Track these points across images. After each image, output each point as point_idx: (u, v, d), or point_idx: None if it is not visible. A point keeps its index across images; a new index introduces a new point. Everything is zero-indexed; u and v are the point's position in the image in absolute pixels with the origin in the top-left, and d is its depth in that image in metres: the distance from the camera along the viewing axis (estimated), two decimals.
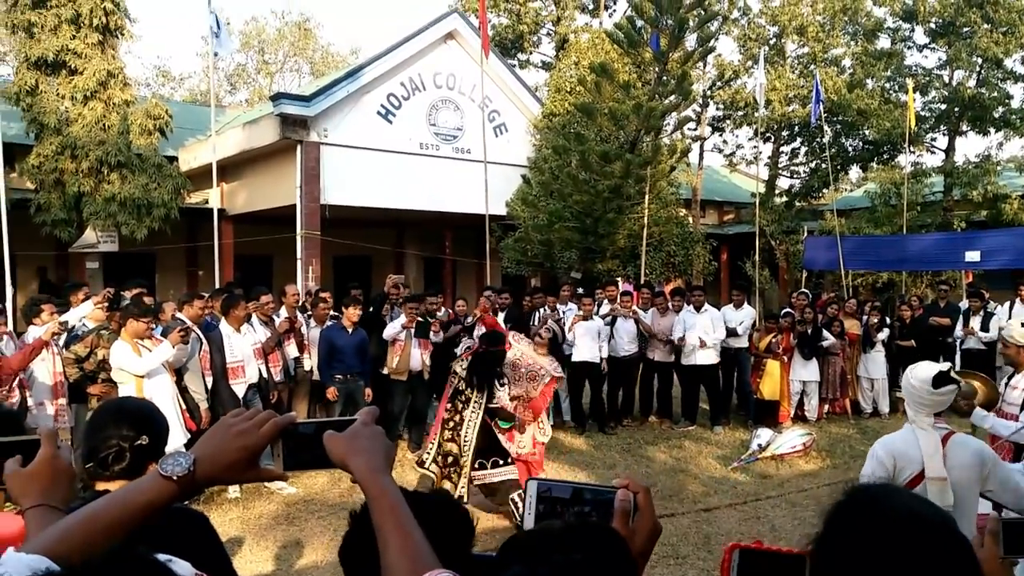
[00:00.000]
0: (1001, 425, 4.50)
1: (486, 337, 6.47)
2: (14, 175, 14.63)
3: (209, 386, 6.37)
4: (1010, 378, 4.92)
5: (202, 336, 6.34)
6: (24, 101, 12.97)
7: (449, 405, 6.22)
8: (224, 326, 6.64)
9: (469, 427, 6.09)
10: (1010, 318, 10.59)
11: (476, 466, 6.12)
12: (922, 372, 3.12)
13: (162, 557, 0.91)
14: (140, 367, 5.47)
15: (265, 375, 6.77)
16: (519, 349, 6.44)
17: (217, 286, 9.12)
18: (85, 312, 6.36)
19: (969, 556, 1.01)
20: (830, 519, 1.09)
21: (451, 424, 6.18)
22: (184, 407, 5.92)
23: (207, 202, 15.34)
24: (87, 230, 13.67)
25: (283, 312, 7.61)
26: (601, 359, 9.49)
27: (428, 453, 6.28)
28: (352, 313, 7.61)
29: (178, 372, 6.00)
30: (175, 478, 1.08)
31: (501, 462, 6.14)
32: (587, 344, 9.42)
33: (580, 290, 11.34)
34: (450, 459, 6.13)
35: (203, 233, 14.40)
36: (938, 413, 3.15)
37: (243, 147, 14.81)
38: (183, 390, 6.01)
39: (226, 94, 34.78)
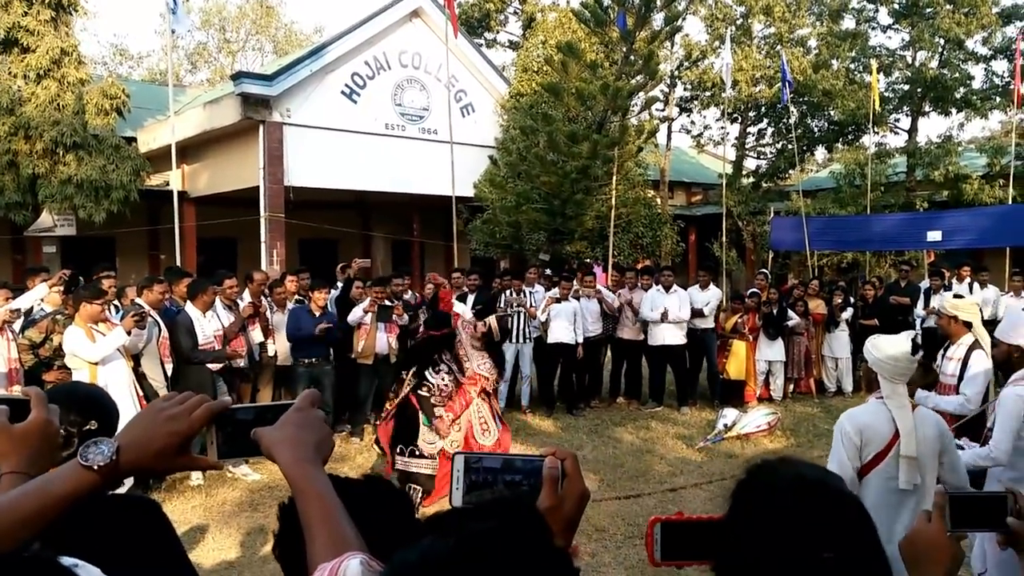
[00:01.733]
0: (943, 401, 4.59)
1: (429, 321, 6.35)
2: None
3: (169, 372, 6.23)
4: (945, 350, 5.03)
5: (160, 322, 6.19)
6: None
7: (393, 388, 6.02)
8: (191, 309, 6.49)
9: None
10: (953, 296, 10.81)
11: (397, 451, 5.80)
12: (896, 344, 3.13)
13: (67, 561, 0.84)
14: (93, 353, 5.33)
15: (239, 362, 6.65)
16: (460, 335, 6.21)
17: (184, 270, 8.89)
18: (38, 296, 6.17)
19: (860, 515, 1.10)
20: (735, 491, 1.15)
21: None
22: (141, 394, 5.78)
23: (168, 184, 14.99)
24: (43, 213, 13.30)
25: (247, 296, 7.47)
26: (577, 342, 9.48)
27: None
28: (319, 297, 7.50)
29: (135, 358, 5.85)
30: (96, 467, 1.01)
31: (418, 452, 5.76)
32: (562, 326, 9.41)
33: (548, 271, 11.31)
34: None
35: (164, 216, 14.09)
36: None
37: (204, 127, 14.49)
38: (140, 376, 5.87)
39: (186, 73, 34.03)
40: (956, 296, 6.33)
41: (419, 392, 5.74)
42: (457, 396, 5.95)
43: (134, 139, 15.73)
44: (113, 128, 13.60)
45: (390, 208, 18.56)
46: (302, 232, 15.76)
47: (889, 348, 3.14)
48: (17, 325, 6.09)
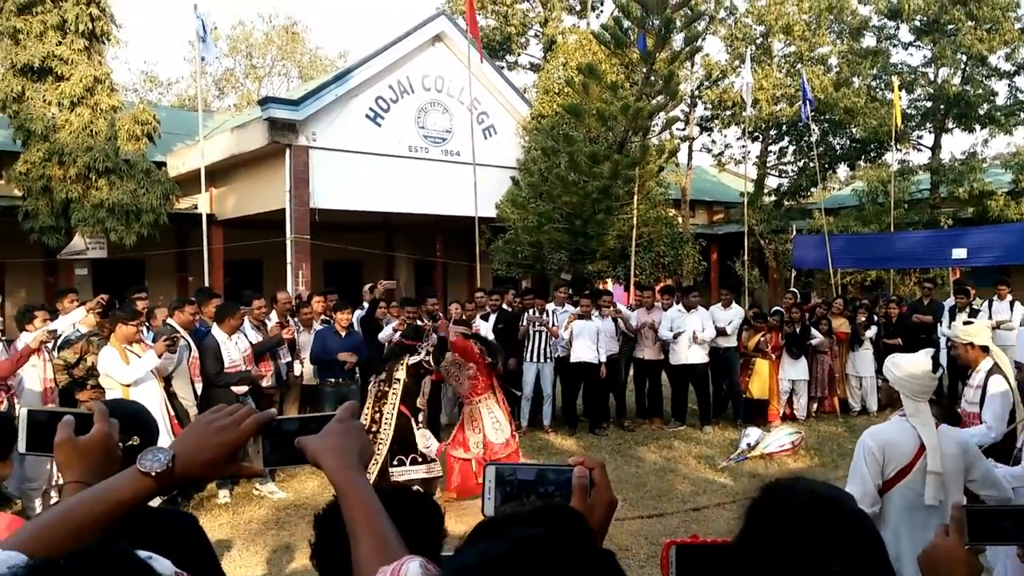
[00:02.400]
0: (968, 433, 4.54)
1: (407, 332, 6.60)
2: (1, 182, 14.61)
3: (199, 392, 6.37)
4: (967, 378, 4.96)
5: (191, 342, 6.34)
6: (10, 108, 12.91)
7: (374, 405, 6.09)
8: (217, 332, 6.63)
9: (386, 424, 5.96)
10: (991, 316, 10.71)
11: (395, 463, 5.93)
12: (916, 363, 3.17)
13: (143, 554, 0.93)
14: (126, 376, 5.48)
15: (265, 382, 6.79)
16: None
17: (213, 291, 9.08)
18: (76, 319, 6.35)
19: (872, 534, 1.10)
20: (748, 510, 1.17)
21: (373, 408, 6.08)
22: (172, 413, 5.92)
23: (196, 207, 15.31)
24: (75, 236, 13.62)
25: (274, 317, 7.61)
26: (600, 362, 9.51)
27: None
28: (342, 317, 7.63)
29: (167, 378, 5.99)
30: (153, 474, 1.09)
31: (420, 459, 6.00)
32: (585, 344, 9.45)
33: (570, 291, 11.38)
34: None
35: (193, 238, 14.38)
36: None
37: (232, 152, 14.80)
38: (171, 396, 6.02)
39: (214, 99, 34.72)
40: (966, 323, 6.25)
41: (422, 366, 6.05)
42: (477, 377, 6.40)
43: (164, 164, 16.10)
44: (144, 153, 13.93)
45: (413, 229, 18.75)
46: (327, 253, 15.98)
47: (909, 366, 3.18)
48: (51, 346, 6.26)
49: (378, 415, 5.95)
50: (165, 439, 5.64)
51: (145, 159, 13.89)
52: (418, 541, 1.20)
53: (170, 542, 1.72)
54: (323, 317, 8.33)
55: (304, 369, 7.73)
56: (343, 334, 7.67)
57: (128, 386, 5.60)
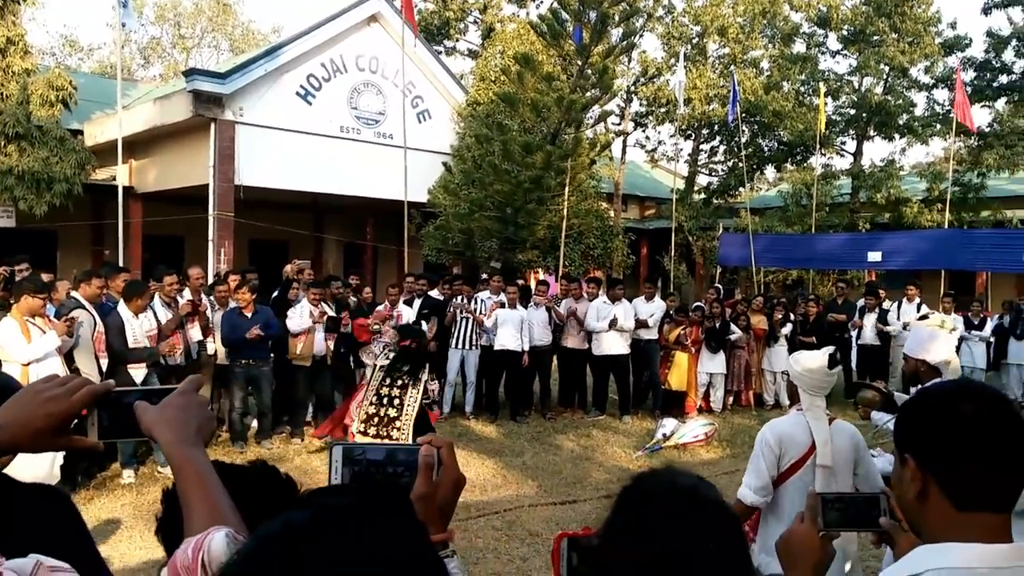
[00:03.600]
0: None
1: (404, 330, 6.91)
2: None
3: (104, 368, 6.12)
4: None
5: (97, 317, 6.08)
6: None
7: (387, 380, 6.51)
8: (123, 310, 6.37)
9: (410, 406, 6.43)
10: (899, 317, 11.18)
11: None
12: (814, 359, 3.26)
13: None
14: (25, 355, 5.22)
15: (163, 361, 6.56)
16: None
17: (120, 266, 8.73)
18: None
19: (727, 519, 1.12)
20: (617, 496, 1.18)
21: (389, 394, 6.49)
22: None
23: (114, 179, 14.72)
24: None
25: (187, 294, 7.37)
26: (523, 350, 9.55)
27: (355, 421, 6.55)
28: (242, 297, 7.44)
29: (69, 352, 5.74)
30: None
31: None
32: (509, 332, 9.47)
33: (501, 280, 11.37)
34: (387, 419, 6.44)
35: (110, 211, 13.80)
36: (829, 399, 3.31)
37: (154, 123, 14.25)
38: (74, 372, 5.75)
39: (139, 68, 33.40)
40: (922, 317, 6.48)
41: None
42: None
43: (81, 132, 15.41)
44: (58, 120, 13.33)
45: (343, 211, 18.46)
46: (253, 232, 15.58)
47: (808, 362, 3.27)
48: None
49: (397, 400, 6.44)
50: None
51: (59, 126, 13.31)
52: (266, 516, 1.15)
53: (35, 517, 1.63)
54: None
55: (218, 348, 7.52)
56: (248, 314, 7.49)
57: (27, 364, 5.33)
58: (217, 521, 1.02)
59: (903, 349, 4.01)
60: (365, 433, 6.41)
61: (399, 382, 6.54)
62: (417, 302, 9.42)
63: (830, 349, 3.36)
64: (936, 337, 3.85)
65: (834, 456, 3.14)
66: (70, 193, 12.90)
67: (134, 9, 11.79)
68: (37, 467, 4.41)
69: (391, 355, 6.62)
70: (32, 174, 12.40)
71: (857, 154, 21.60)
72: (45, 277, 6.23)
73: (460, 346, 9.58)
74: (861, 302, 11.90)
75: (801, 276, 18.52)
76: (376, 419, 6.47)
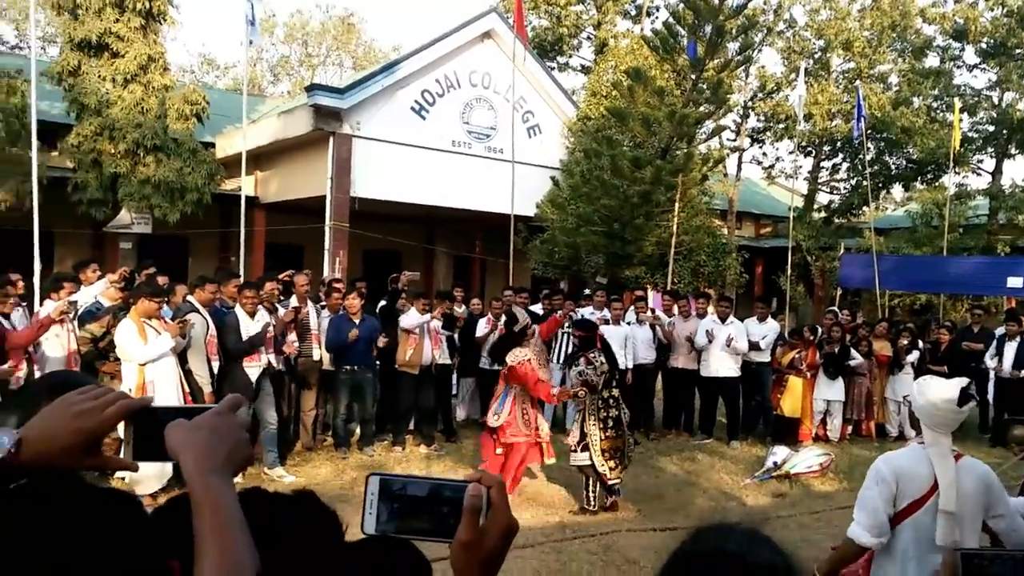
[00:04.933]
0: None
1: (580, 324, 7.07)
2: (55, 154, 14.93)
3: (215, 370, 6.37)
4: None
5: (209, 320, 6.34)
6: (66, 81, 13.21)
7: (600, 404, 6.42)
8: (238, 310, 6.64)
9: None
10: None
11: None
12: (942, 390, 2.90)
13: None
14: (142, 355, 5.48)
15: (274, 363, 6.76)
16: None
17: (232, 271, 9.12)
18: (97, 291, 6.40)
19: None
20: (666, 564, 1.06)
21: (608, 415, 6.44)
22: (188, 390, 5.91)
23: (239, 189, 15.50)
24: (122, 211, 13.88)
25: (293, 301, 7.59)
26: (627, 368, 9.33)
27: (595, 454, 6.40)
28: (352, 304, 7.59)
29: (182, 354, 5.99)
30: None
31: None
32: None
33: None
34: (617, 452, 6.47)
35: (236, 220, 14.53)
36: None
37: (277, 136, 14.92)
38: (187, 373, 6.01)
39: (269, 84, 35.24)
40: None
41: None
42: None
43: (212, 144, 16.33)
44: (192, 133, 14.13)
45: (454, 224, 18.71)
46: (368, 243, 16.02)
47: (935, 394, 2.92)
48: (70, 317, 6.30)
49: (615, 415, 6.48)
50: None
51: (193, 139, 14.09)
52: (307, 552, 1.05)
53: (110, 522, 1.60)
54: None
55: (323, 354, 7.69)
56: (356, 320, 7.63)
57: (143, 364, 5.59)
58: (225, 564, 0.90)
59: None
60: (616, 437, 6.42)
61: (613, 395, 6.47)
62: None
63: (963, 381, 2.99)
64: None
65: (960, 500, 2.81)
66: (200, 202, 13.63)
67: (261, 29, 12.40)
68: (148, 465, 4.58)
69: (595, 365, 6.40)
70: (167, 184, 13.18)
71: (996, 173, 20.13)
72: (161, 280, 6.53)
73: (561, 362, 9.45)
74: (1001, 330, 10.98)
75: (931, 301, 17.36)
76: (618, 452, 6.46)
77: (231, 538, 0.92)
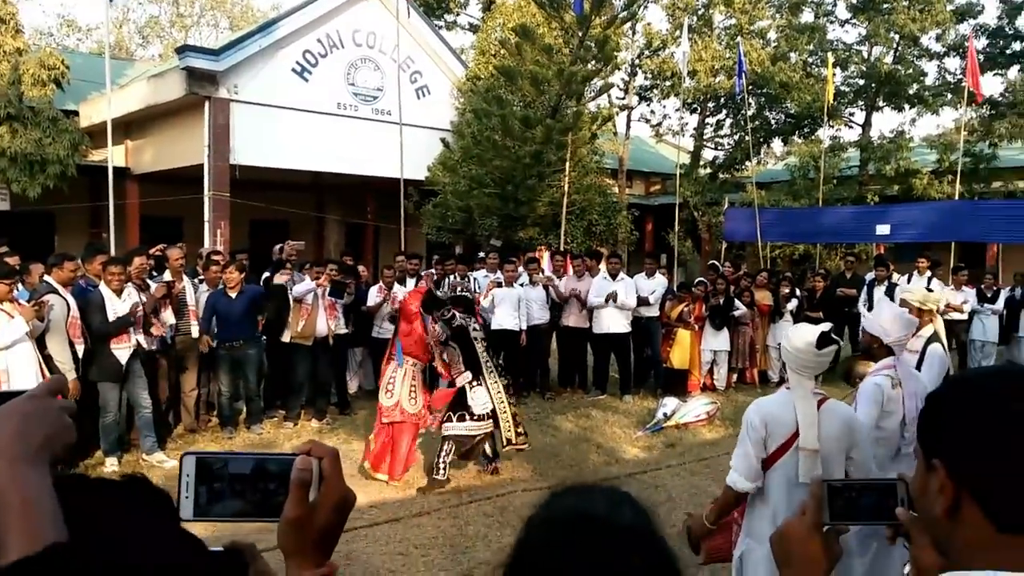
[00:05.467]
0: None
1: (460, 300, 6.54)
2: None
3: (80, 354, 5.96)
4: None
5: (71, 300, 5.91)
6: None
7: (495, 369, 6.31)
8: (104, 288, 6.21)
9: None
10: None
11: (446, 417, 6.18)
12: (804, 334, 3.04)
13: None
14: None
15: (144, 343, 6.38)
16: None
17: (112, 249, 8.57)
18: None
19: (648, 559, 0.92)
20: (519, 533, 0.99)
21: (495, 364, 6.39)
22: (49, 376, 5.51)
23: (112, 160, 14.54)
24: None
25: (167, 276, 7.19)
26: (520, 329, 9.36)
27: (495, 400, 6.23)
28: (230, 277, 7.27)
29: (40, 339, 5.57)
30: None
31: (468, 416, 6.15)
32: (506, 312, 9.25)
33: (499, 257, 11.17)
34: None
35: (107, 192, 13.67)
36: (816, 377, 3.10)
37: (148, 102, 14.03)
38: (47, 358, 5.60)
39: (138, 47, 33.12)
40: (928, 288, 6.30)
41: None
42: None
43: (76, 113, 15.22)
44: (51, 100, 13.12)
45: (344, 190, 18.21)
46: (253, 212, 15.38)
47: (795, 339, 3.05)
48: None
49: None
50: None
51: (52, 107, 13.10)
52: (136, 539, 0.94)
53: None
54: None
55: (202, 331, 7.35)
56: (234, 295, 7.33)
57: None
58: None
59: (862, 323, 3.82)
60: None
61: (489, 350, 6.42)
62: (410, 282, 9.23)
63: (825, 326, 3.13)
64: (898, 317, 3.64)
65: (823, 440, 2.93)
66: (64, 175, 12.73)
67: None
68: None
69: (477, 327, 6.38)
70: (25, 156, 12.23)
71: (866, 126, 21.19)
72: (11, 260, 6.03)
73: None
74: (870, 275, 11.63)
75: (809, 251, 18.22)
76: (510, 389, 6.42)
77: (40, 532, 0.80)
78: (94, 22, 43.63)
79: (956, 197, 15.49)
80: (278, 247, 8.54)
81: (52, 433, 0.91)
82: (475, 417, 6.12)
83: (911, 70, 19.55)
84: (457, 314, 6.16)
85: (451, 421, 6.12)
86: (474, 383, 6.18)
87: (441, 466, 6.15)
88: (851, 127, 22.03)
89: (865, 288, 11.29)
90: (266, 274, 8.23)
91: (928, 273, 11.12)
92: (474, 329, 6.28)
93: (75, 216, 15.57)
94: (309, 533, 0.89)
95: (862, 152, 19.82)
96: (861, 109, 21.39)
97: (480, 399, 6.14)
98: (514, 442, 6.28)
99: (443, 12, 24.64)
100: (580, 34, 13.36)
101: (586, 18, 13.02)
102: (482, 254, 11.19)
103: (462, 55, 18.22)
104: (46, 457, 0.90)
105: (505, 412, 6.24)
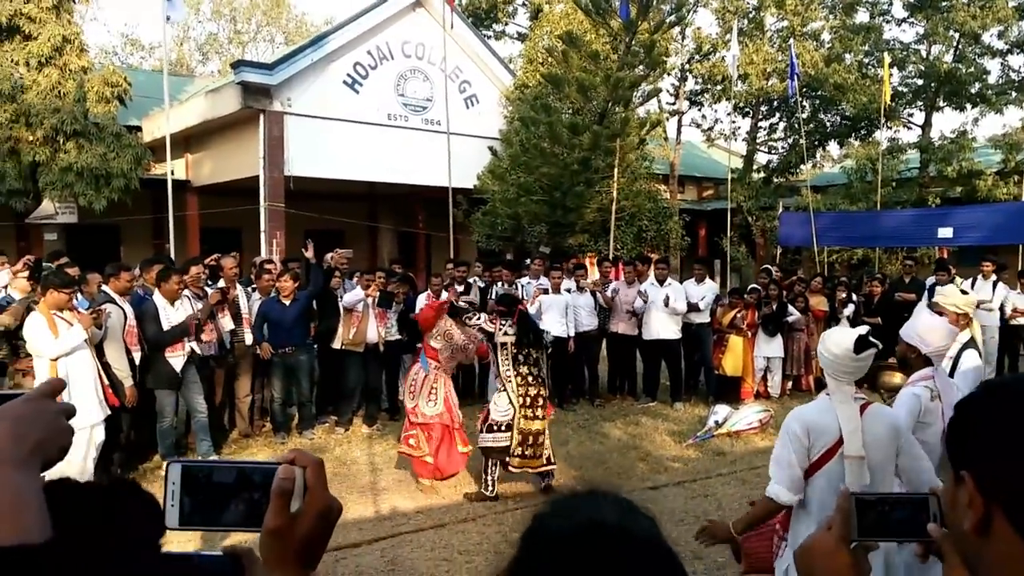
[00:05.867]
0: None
1: (503, 299, 6.55)
2: None
3: (138, 361, 6.16)
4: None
5: (127, 310, 6.11)
6: None
7: (518, 378, 6.02)
8: (158, 298, 6.42)
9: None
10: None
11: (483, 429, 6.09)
12: (841, 338, 2.95)
13: None
14: (52, 350, 5.22)
15: (198, 350, 6.56)
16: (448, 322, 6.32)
17: (158, 257, 8.82)
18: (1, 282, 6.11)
19: (655, 564, 0.87)
20: (522, 535, 0.94)
21: (529, 372, 6.08)
22: (107, 383, 5.70)
23: (173, 172, 15.01)
24: (44, 201, 13.34)
25: (220, 284, 7.39)
26: (569, 336, 9.33)
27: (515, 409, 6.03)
28: (284, 285, 7.42)
29: (98, 347, 5.76)
30: None
31: (494, 427, 6.01)
32: (554, 319, 9.23)
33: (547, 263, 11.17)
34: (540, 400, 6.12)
35: (168, 205, 14.12)
36: (858, 383, 3.02)
37: (206, 116, 14.46)
38: (105, 366, 5.79)
39: (198, 64, 34.09)
40: (963, 291, 6.06)
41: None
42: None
43: (139, 128, 15.75)
44: (114, 116, 13.60)
45: (396, 200, 18.46)
46: (308, 223, 15.68)
47: (831, 344, 2.96)
48: None
49: (536, 374, 6.18)
50: (96, 410, 5.44)
51: (116, 122, 13.57)
52: (120, 544, 0.97)
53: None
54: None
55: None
56: (287, 303, 7.48)
57: (55, 359, 5.34)
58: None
59: (900, 331, 3.62)
60: (534, 419, 5.98)
61: (533, 355, 6.13)
62: (459, 288, 9.29)
63: (862, 330, 3.03)
64: (935, 327, 3.47)
65: (868, 446, 2.84)
66: (127, 188, 13.16)
67: (186, 5, 11.94)
68: (66, 461, 4.40)
69: (509, 330, 6.06)
70: (91, 170, 12.68)
71: (926, 126, 20.56)
72: (71, 271, 6.25)
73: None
74: (931, 280, 11.26)
75: (867, 255, 17.76)
76: (539, 400, 6.06)
77: (25, 535, 0.82)
78: (156, 40, 45.19)
79: (1023, 198, 14.93)
80: (328, 256, 8.69)
81: (46, 436, 0.91)
82: (499, 427, 5.96)
83: (972, 68, 18.91)
84: (476, 319, 6.21)
85: (482, 432, 6.05)
86: (499, 387, 6.13)
87: (490, 483, 6.05)
88: (910, 128, 21.41)
89: (926, 293, 10.93)
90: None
91: (994, 277, 10.73)
92: (504, 334, 6.09)
93: (139, 228, 16.09)
94: (290, 543, 0.87)
95: (922, 153, 19.24)
96: (920, 110, 20.78)
97: (501, 406, 6.01)
98: (513, 465, 6.00)
99: (491, 22, 24.82)
100: (627, 39, 13.33)
101: (632, 23, 12.99)
102: (528, 260, 11.20)
103: (510, 64, 18.31)
104: (38, 460, 0.90)
105: (519, 426, 5.97)
